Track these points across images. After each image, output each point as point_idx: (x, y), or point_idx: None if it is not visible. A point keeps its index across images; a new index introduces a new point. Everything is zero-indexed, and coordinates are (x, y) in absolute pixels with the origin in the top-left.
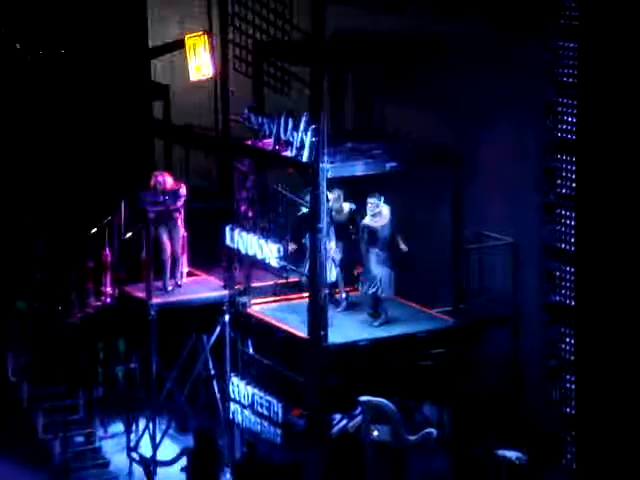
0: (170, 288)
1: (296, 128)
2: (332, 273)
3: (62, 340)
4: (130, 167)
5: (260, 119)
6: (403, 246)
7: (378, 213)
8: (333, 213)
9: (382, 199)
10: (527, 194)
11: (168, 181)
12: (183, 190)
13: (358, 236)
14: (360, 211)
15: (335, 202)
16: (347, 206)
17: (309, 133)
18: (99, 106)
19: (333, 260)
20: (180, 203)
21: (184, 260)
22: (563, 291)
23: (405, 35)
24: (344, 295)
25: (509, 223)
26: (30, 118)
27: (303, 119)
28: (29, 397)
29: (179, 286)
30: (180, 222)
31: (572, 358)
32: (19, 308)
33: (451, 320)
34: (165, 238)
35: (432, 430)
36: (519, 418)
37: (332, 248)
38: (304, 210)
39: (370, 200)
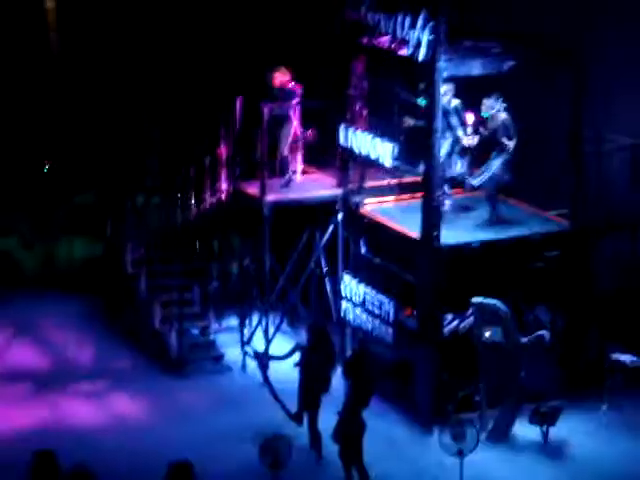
0: (282, 185)
1: (413, 26)
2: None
3: (178, 235)
4: (246, 65)
5: (377, 17)
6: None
7: (493, 116)
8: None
9: (500, 101)
10: None
11: (284, 78)
12: (298, 89)
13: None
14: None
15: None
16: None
17: (426, 30)
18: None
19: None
20: (295, 101)
21: (299, 158)
22: None
23: None
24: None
25: (631, 125)
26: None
27: (421, 16)
28: (146, 289)
29: (290, 183)
30: (293, 121)
31: None
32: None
33: (567, 223)
34: (279, 135)
35: (545, 332)
36: (635, 322)
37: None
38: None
39: (487, 101)
